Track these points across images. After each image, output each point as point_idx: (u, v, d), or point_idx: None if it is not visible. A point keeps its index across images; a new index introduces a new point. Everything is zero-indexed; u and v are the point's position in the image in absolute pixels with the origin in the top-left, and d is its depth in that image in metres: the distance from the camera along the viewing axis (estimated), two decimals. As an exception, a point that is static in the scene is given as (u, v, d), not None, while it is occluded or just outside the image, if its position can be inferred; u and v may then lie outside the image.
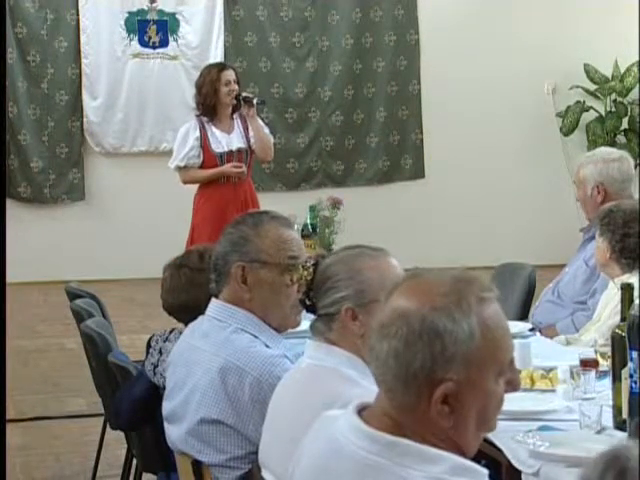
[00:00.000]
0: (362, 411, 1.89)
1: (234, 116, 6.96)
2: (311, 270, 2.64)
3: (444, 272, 1.90)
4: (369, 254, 2.63)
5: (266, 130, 7.07)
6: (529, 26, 10.86)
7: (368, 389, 2.07)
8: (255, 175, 10.59)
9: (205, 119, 6.92)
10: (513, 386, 1.90)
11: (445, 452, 1.80)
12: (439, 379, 1.79)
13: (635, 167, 5.19)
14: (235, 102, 6.89)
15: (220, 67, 7.15)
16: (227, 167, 6.89)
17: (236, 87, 6.91)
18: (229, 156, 6.89)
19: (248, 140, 6.94)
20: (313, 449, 1.96)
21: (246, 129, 6.95)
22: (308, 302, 2.66)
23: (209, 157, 6.89)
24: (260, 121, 7.09)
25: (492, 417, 1.88)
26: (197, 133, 6.93)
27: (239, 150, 6.90)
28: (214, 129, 6.91)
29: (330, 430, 1.92)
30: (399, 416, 1.83)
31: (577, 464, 2.60)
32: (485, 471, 1.83)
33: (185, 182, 7.06)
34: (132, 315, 7.81)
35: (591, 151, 5.60)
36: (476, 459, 1.87)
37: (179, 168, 6.99)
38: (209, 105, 6.89)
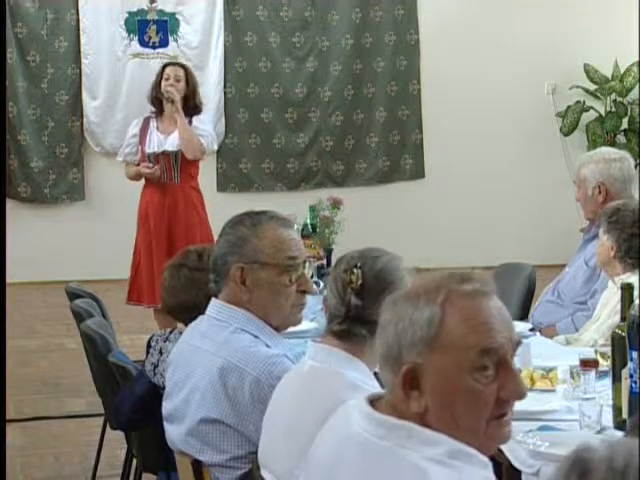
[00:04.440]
0: (375, 401, 1.96)
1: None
2: (359, 274, 2.59)
3: (443, 271, 1.98)
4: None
5: (200, 132, 6.86)
6: (529, 26, 10.86)
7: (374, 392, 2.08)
8: (255, 175, 10.70)
9: (153, 118, 6.93)
10: (516, 394, 1.89)
11: (444, 436, 1.83)
12: (404, 361, 1.87)
13: (635, 167, 5.19)
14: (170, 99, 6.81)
15: (168, 63, 7.20)
16: (140, 167, 6.88)
17: (177, 84, 6.82)
18: (156, 157, 6.84)
19: None
20: (331, 436, 2.01)
21: None
22: (357, 307, 2.58)
23: (143, 156, 6.91)
24: (198, 122, 6.91)
25: (476, 416, 1.87)
26: (135, 130, 6.97)
27: (165, 153, 6.82)
28: (155, 129, 6.90)
29: (346, 418, 1.97)
30: (395, 401, 1.90)
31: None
32: (485, 459, 1.85)
33: (127, 178, 7.11)
34: (132, 315, 7.80)
35: (592, 151, 5.60)
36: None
37: (122, 163, 7.10)
38: (151, 100, 6.94)
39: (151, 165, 6.83)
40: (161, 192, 6.88)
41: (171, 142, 6.83)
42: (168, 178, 6.86)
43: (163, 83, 6.85)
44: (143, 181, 7.02)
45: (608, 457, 1.34)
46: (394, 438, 1.85)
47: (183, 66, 7.12)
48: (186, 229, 6.85)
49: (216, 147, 7.20)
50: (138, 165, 6.95)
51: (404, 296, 1.93)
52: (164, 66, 7.05)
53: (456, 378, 1.86)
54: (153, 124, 6.91)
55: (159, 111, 6.93)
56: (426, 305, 1.88)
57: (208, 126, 7.11)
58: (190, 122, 6.87)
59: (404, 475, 1.80)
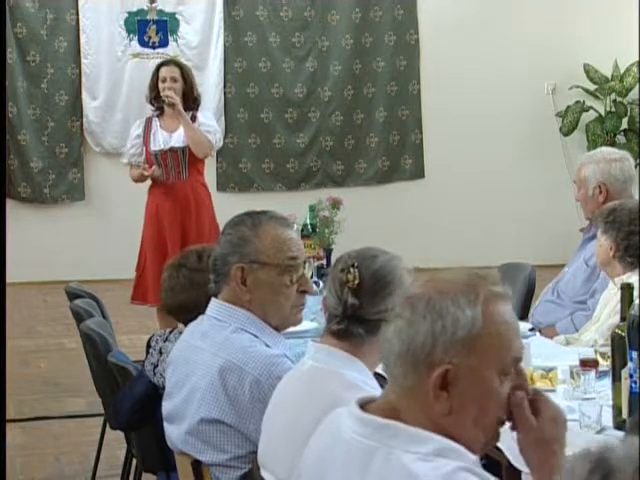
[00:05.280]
0: (367, 404, 1.93)
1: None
2: (356, 273, 2.58)
3: (460, 270, 1.93)
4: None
5: (207, 128, 6.86)
6: (529, 26, 10.86)
7: (370, 394, 2.08)
8: (255, 175, 10.70)
9: (155, 117, 6.89)
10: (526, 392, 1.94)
11: (434, 435, 1.81)
12: (438, 360, 1.82)
13: (635, 167, 5.19)
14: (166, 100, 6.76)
15: (162, 63, 7.05)
16: (141, 170, 6.83)
17: (174, 85, 6.76)
18: (164, 155, 6.80)
19: None
20: (320, 442, 2.00)
21: None
22: (354, 307, 2.57)
23: (148, 155, 6.86)
24: (204, 118, 6.92)
25: (492, 417, 1.89)
26: (139, 131, 6.92)
27: (172, 149, 6.78)
28: (159, 128, 6.86)
29: (336, 423, 1.96)
30: (398, 401, 1.86)
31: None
32: (473, 457, 1.84)
33: (132, 180, 7.06)
34: (132, 315, 7.80)
35: (592, 151, 5.60)
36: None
37: (127, 165, 7.03)
38: (150, 101, 6.89)
39: (146, 166, 6.79)
40: (171, 191, 6.84)
41: (177, 138, 6.81)
42: (176, 174, 6.83)
43: (160, 85, 6.79)
44: (149, 182, 7.00)
45: (633, 459, 1.32)
46: (381, 437, 1.83)
47: (178, 64, 7.04)
48: (197, 226, 6.83)
49: (221, 142, 7.19)
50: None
51: (438, 293, 1.85)
52: (159, 66, 6.95)
53: (488, 380, 1.85)
54: (156, 123, 6.88)
55: (161, 112, 6.91)
56: (468, 305, 1.83)
57: (213, 121, 7.10)
58: (194, 118, 6.84)
59: (391, 474, 1.79)
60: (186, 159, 6.80)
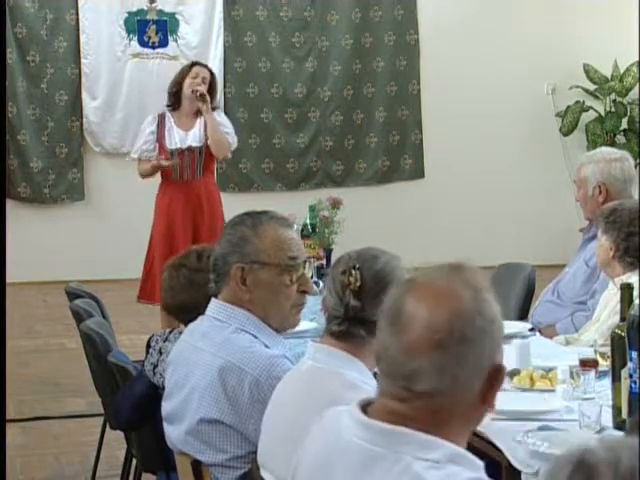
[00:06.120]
0: (367, 406, 1.90)
1: (199, 115, 6.92)
2: (357, 275, 2.57)
3: (431, 271, 1.92)
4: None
5: (226, 129, 6.95)
6: (529, 26, 10.87)
7: (371, 394, 2.07)
8: (255, 175, 10.70)
9: (169, 114, 6.91)
10: None
11: (441, 440, 1.79)
12: (498, 366, 1.83)
13: (635, 167, 5.19)
14: (194, 97, 6.83)
15: (195, 63, 7.16)
16: (157, 160, 6.83)
17: (202, 84, 6.84)
18: (181, 153, 6.83)
19: (206, 140, 6.87)
20: (319, 442, 1.98)
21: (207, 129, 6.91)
22: (356, 309, 2.56)
23: (164, 153, 6.87)
24: (221, 119, 7.00)
25: None
26: (153, 127, 6.94)
27: (190, 148, 6.82)
28: (174, 125, 6.89)
29: (336, 424, 1.94)
30: (412, 410, 1.81)
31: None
32: (480, 463, 1.83)
33: (140, 175, 7.06)
34: (132, 315, 7.80)
35: (592, 151, 5.60)
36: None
37: (135, 160, 7.05)
38: (170, 93, 6.94)
39: (162, 157, 6.83)
40: (185, 189, 6.87)
41: (193, 137, 6.85)
42: (191, 172, 6.86)
43: (189, 80, 6.86)
44: (157, 179, 7.00)
45: (614, 461, 1.31)
46: (386, 443, 1.80)
47: (210, 70, 7.12)
48: (210, 226, 6.85)
49: (236, 144, 7.24)
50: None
51: (483, 301, 1.83)
52: (192, 64, 7.06)
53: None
54: (170, 120, 6.91)
55: (175, 107, 6.93)
56: (492, 300, 1.85)
57: (229, 123, 7.15)
58: None
59: None
60: (202, 158, 6.86)
